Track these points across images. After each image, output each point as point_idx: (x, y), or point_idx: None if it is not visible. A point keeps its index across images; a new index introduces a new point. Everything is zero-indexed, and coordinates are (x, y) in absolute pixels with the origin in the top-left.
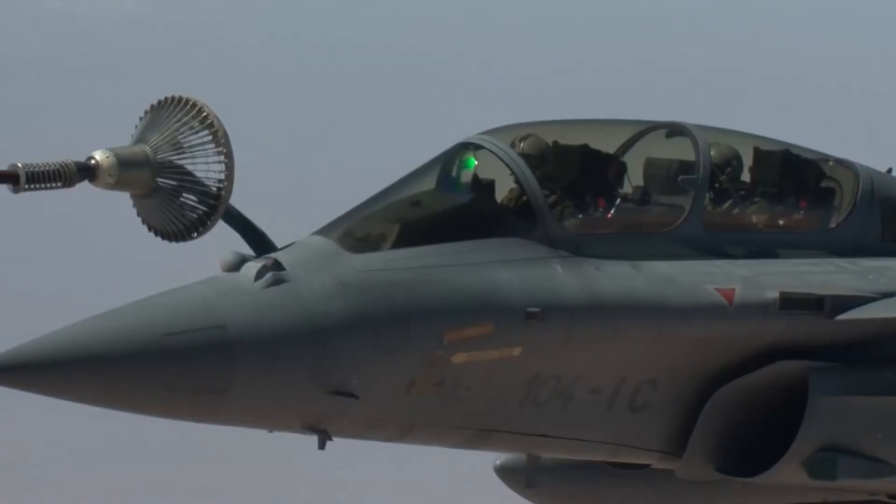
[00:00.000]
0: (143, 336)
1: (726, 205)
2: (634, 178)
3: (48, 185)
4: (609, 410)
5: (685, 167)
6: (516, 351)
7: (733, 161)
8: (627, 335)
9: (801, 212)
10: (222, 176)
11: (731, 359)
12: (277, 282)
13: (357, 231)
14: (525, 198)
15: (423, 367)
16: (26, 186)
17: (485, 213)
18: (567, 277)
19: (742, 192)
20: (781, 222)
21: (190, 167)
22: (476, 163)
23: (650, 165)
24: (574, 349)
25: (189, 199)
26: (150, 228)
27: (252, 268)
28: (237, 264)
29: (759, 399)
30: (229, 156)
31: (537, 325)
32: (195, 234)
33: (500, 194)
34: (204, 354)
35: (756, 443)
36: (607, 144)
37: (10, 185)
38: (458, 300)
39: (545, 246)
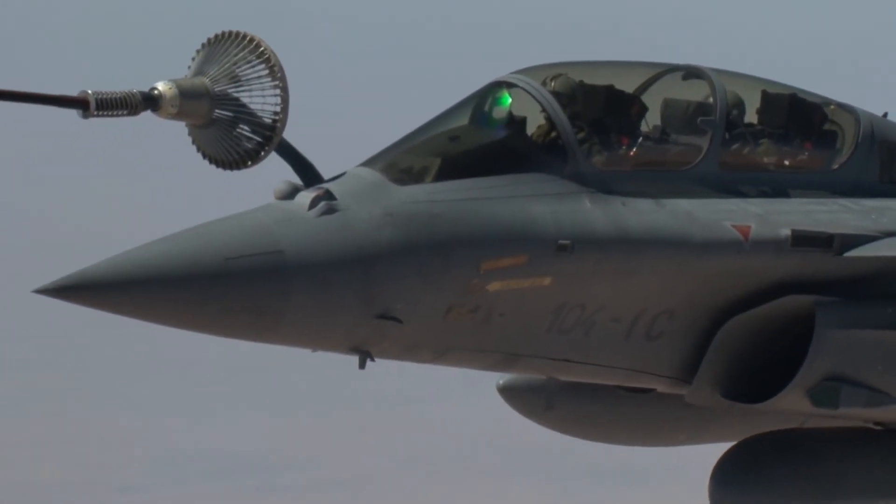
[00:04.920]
0: (206, 259)
1: (738, 145)
2: (652, 118)
3: (115, 113)
4: (627, 338)
5: (702, 108)
6: (546, 281)
7: (744, 103)
8: (650, 268)
9: (807, 153)
10: (277, 108)
11: (744, 292)
12: (330, 211)
13: (400, 163)
14: (556, 135)
15: (460, 295)
16: (95, 112)
17: (518, 149)
18: (596, 212)
19: (752, 134)
20: (788, 163)
21: (246, 99)
22: (510, 100)
23: (667, 106)
24: (600, 280)
25: (245, 130)
26: (204, 156)
27: (306, 197)
28: (290, 193)
29: (768, 331)
30: (285, 89)
31: (567, 257)
32: (249, 164)
33: (531, 131)
34: (263, 278)
35: (762, 372)
36: (628, 85)
37: (80, 111)
38: (494, 232)
39: (575, 182)
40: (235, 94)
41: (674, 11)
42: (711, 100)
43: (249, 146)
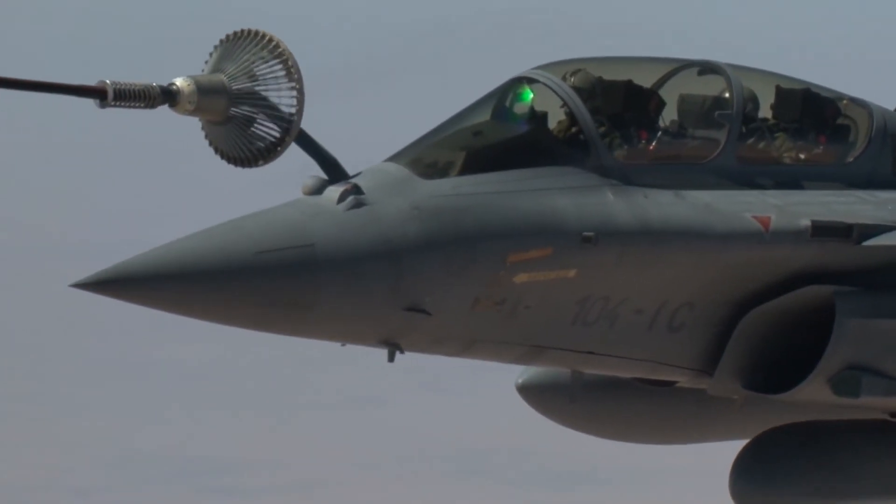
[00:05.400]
0: (238, 253)
1: (754, 139)
2: (668, 113)
3: (132, 104)
4: (650, 330)
5: (718, 103)
6: (571, 273)
7: (759, 98)
8: (672, 260)
9: (821, 147)
10: (293, 108)
11: (764, 283)
12: (358, 205)
13: (425, 158)
14: (578, 129)
15: (486, 287)
16: (113, 102)
17: (541, 143)
18: (618, 204)
19: (768, 128)
20: (803, 156)
21: (262, 97)
22: (532, 95)
23: (684, 101)
24: (623, 272)
25: (260, 127)
26: (218, 153)
27: (334, 191)
28: (319, 188)
29: (788, 321)
30: (300, 89)
31: (591, 249)
32: (262, 162)
33: (552, 126)
34: (293, 271)
35: (783, 363)
36: (644, 80)
37: (98, 100)
38: (520, 224)
39: (597, 174)
40: (252, 92)
41: (677, 7)
42: (728, 94)
43: (263, 145)
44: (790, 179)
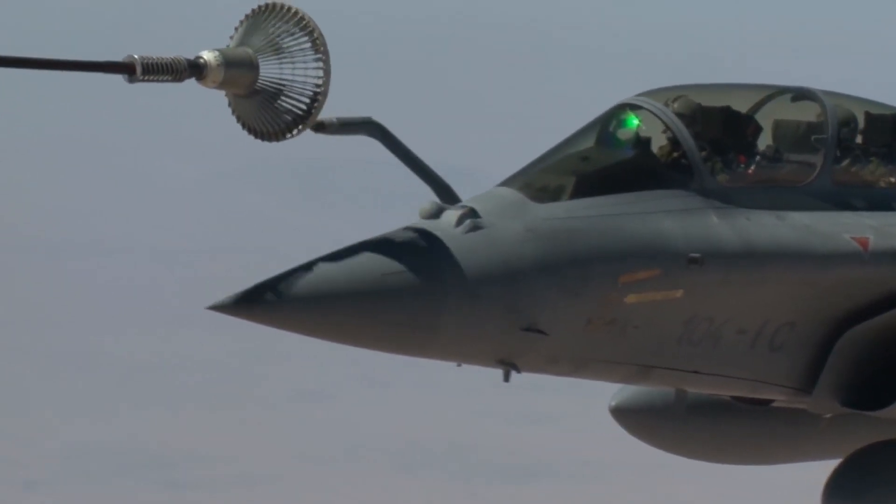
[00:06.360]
0: (365, 275)
1: (849, 162)
2: (764, 138)
3: (160, 78)
4: (752, 349)
5: (813, 128)
6: (678, 293)
7: (851, 123)
8: (775, 280)
9: None
10: (319, 81)
11: (863, 302)
12: (475, 228)
13: (536, 183)
14: (681, 153)
15: (599, 307)
16: (141, 77)
17: (647, 168)
18: (723, 226)
19: (860, 151)
20: (893, 179)
21: (289, 71)
22: (637, 122)
23: (778, 126)
24: (727, 292)
25: (286, 101)
26: (244, 127)
27: (452, 215)
28: (436, 212)
29: (886, 340)
30: (327, 62)
31: (698, 270)
32: (288, 136)
33: (654, 150)
34: (417, 293)
35: (880, 381)
36: (741, 106)
37: (127, 75)
38: (630, 246)
39: (700, 197)
40: (278, 66)
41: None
42: (822, 119)
43: (290, 118)
44: (883, 202)
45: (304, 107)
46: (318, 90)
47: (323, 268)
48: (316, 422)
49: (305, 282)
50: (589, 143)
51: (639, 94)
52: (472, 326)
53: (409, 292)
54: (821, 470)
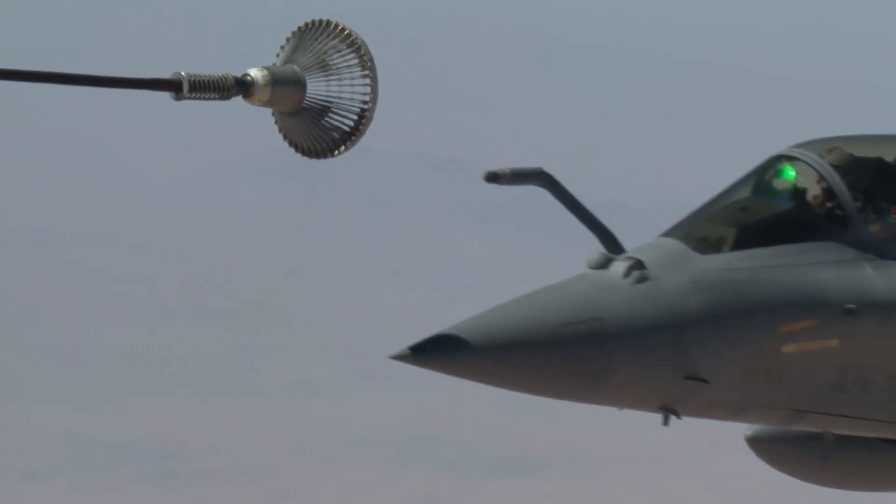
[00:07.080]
0: (540, 326)
1: None
2: None
3: (207, 96)
4: None
5: None
6: (834, 342)
7: None
8: None
9: None
10: (367, 98)
11: None
12: (642, 279)
13: (697, 233)
14: (835, 204)
15: (758, 356)
16: (188, 94)
17: (804, 219)
18: (877, 277)
19: None
20: None
21: (336, 89)
22: (794, 173)
23: None
24: (880, 342)
25: (334, 118)
26: (291, 145)
27: (620, 266)
28: (604, 263)
29: None
30: (374, 79)
31: (853, 321)
32: (335, 153)
33: (808, 201)
34: (589, 343)
35: None
36: (892, 157)
37: (174, 93)
38: (791, 297)
39: (854, 248)
40: (325, 83)
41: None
42: None
43: (337, 135)
44: None
45: (351, 123)
46: (366, 107)
47: (500, 318)
48: (312, 414)
49: (487, 331)
50: (745, 193)
51: (794, 146)
52: (640, 375)
53: (581, 342)
54: None
